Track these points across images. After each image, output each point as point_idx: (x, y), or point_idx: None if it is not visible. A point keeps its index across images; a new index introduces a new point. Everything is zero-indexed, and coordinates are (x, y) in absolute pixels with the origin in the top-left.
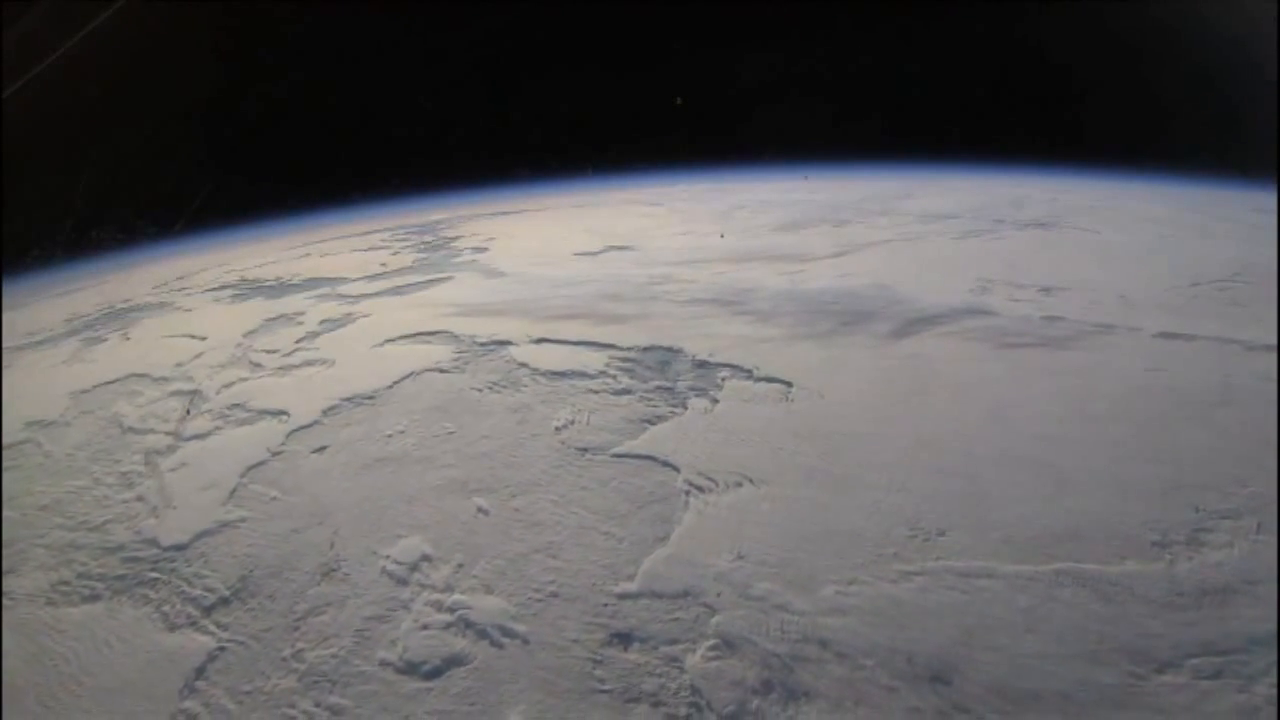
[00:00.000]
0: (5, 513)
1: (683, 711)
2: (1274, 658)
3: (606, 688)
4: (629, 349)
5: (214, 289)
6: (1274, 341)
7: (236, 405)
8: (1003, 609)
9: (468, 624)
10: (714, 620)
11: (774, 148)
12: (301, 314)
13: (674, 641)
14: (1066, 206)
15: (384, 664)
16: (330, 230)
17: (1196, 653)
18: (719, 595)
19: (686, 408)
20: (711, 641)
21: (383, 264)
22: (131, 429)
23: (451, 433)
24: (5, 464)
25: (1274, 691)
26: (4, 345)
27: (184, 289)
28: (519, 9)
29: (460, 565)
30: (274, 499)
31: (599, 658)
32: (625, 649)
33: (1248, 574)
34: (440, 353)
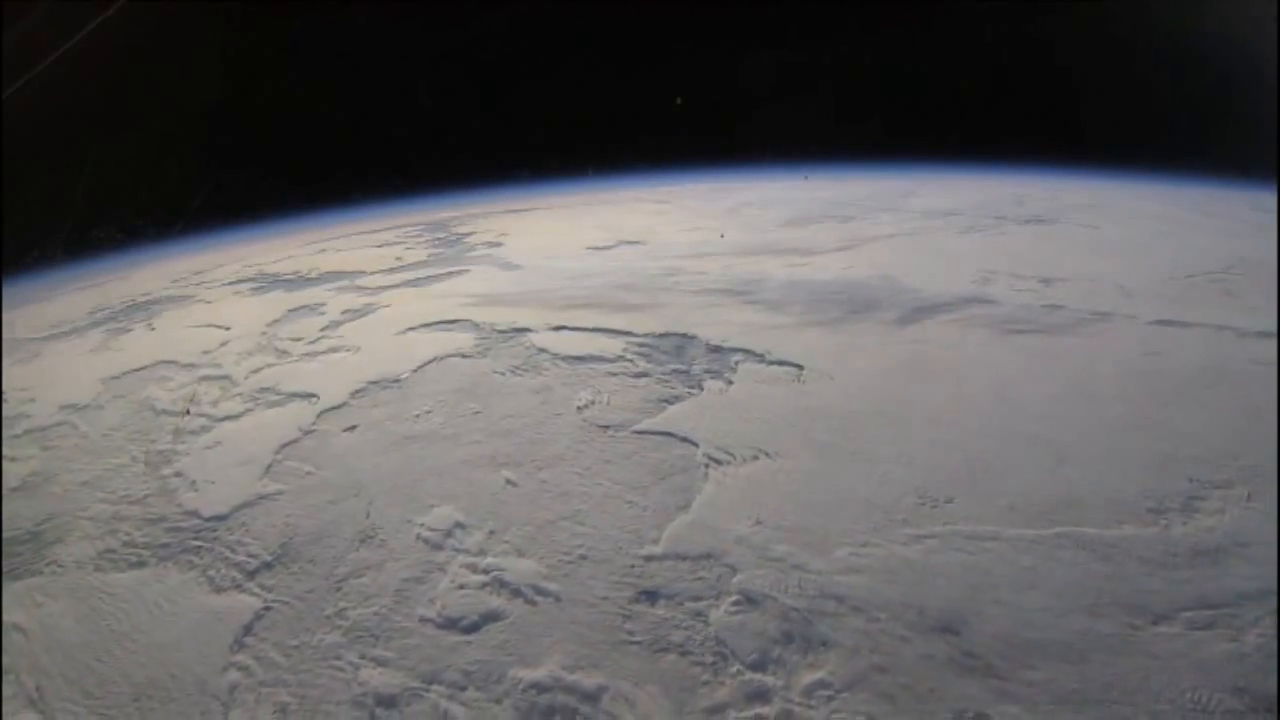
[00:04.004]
0: (46, 489)
1: (709, 660)
2: (1262, 611)
3: (637, 639)
4: (645, 335)
5: (233, 282)
6: (1266, 328)
7: (266, 389)
8: (1007, 568)
9: (502, 584)
10: (736, 579)
11: (777, 147)
12: (323, 305)
13: (698, 598)
14: (1066, 204)
15: (424, 620)
16: (338, 229)
17: (1190, 606)
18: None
19: (702, 389)
20: (734, 598)
21: (398, 258)
22: (164, 411)
23: (477, 412)
24: (42, 445)
25: (1262, 640)
26: (31, 336)
27: (203, 283)
28: (522, 9)
29: (492, 531)
30: (309, 473)
31: (628, 613)
32: (653, 605)
33: (1239, 537)
34: (462, 340)
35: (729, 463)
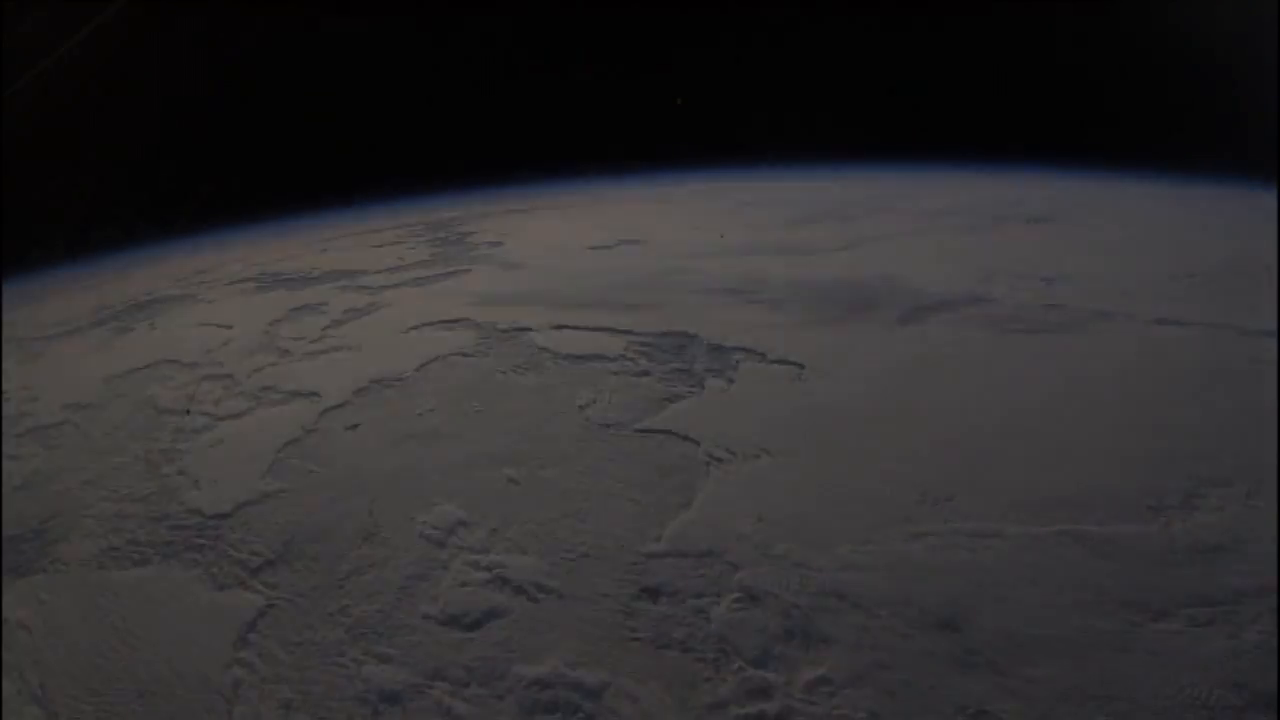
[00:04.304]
0: (50, 487)
1: (711, 656)
2: (1261, 608)
3: (639, 636)
4: (646, 334)
5: (235, 282)
6: (1265, 328)
7: (268, 388)
8: (1008, 565)
9: (505, 581)
10: (737, 576)
11: (777, 148)
12: (325, 304)
13: (700, 595)
14: (1066, 204)
15: (427, 617)
16: (338, 230)
17: (1190, 603)
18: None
19: (704, 387)
20: (736, 595)
21: (400, 258)
22: (166, 410)
23: (479, 411)
24: (45, 444)
25: (1261, 637)
26: (33, 336)
27: (205, 282)
28: (521, 9)
29: (494, 529)
30: (311, 471)
31: (630, 610)
32: (655, 602)
33: (1238, 534)
34: (464, 339)
35: (730, 460)
